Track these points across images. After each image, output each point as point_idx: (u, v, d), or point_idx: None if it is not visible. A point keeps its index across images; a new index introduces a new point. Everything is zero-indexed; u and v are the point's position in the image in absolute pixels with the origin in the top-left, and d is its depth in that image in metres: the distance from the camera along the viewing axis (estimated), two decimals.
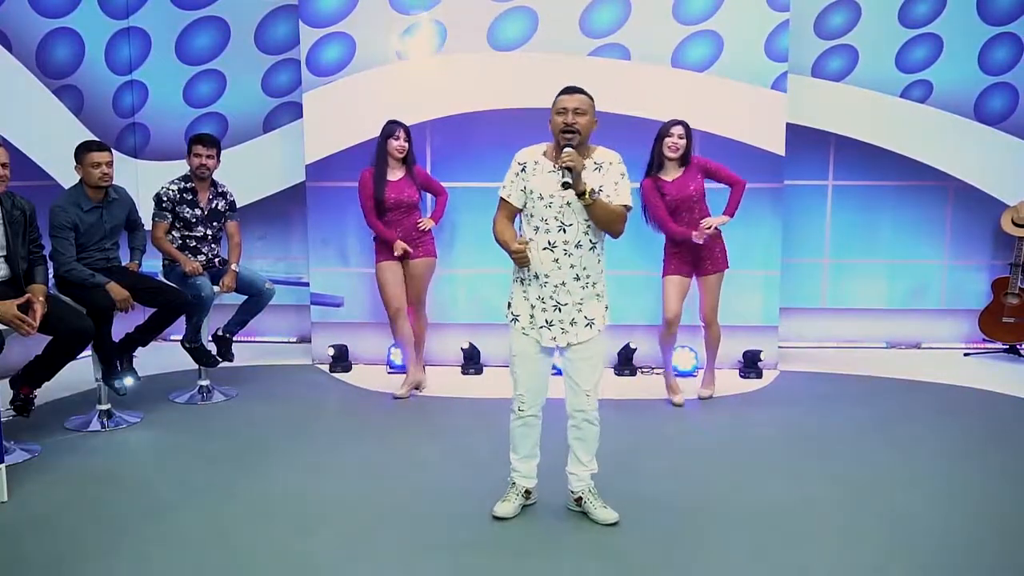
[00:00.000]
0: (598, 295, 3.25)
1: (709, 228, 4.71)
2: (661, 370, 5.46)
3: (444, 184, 5.22)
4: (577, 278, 3.18)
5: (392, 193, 4.95)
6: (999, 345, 6.02)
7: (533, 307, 3.23)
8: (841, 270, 6.16)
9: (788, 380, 5.42)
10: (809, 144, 5.92)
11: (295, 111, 5.99)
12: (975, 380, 5.35)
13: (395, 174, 5.00)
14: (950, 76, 5.91)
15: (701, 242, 4.71)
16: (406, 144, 4.97)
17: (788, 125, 5.47)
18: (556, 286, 3.18)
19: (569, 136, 3.09)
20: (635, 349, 5.52)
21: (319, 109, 5.59)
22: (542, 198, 3.15)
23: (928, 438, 4.31)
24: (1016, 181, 5.97)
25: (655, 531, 3.28)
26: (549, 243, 3.15)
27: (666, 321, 4.87)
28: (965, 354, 6.04)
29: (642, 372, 5.55)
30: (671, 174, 4.79)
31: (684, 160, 4.79)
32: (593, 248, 3.19)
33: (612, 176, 3.14)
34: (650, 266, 5.16)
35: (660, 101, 5.34)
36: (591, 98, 3.17)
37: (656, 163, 4.80)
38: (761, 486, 3.72)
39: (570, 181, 3.00)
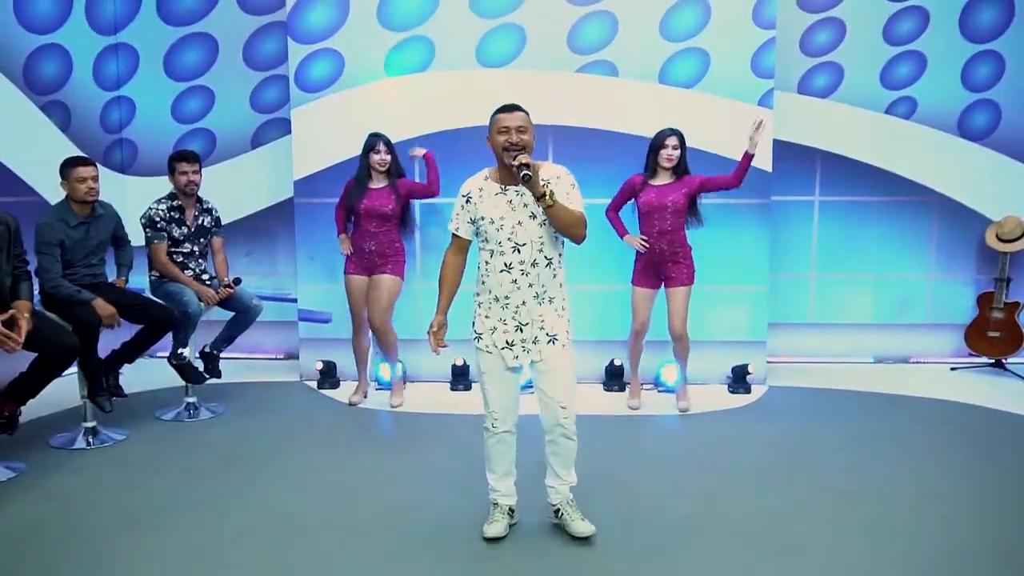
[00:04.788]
0: (558, 311, 3.27)
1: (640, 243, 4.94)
2: (651, 385, 5.51)
3: (431, 202, 5.23)
4: (536, 296, 3.21)
5: (367, 201, 5.00)
6: (985, 359, 6.07)
7: (495, 329, 3.26)
8: (828, 285, 6.20)
9: (777, 395, 5.45)
10: (796, 160, 5.98)
11: (283, 127, 6.01)
12: (962, 394, 5.39)
13: (376, 183, 5.06)
14: (934, 93, 5.99)
15: (641, 249, 4.92)
16: (387, 157, 5.01)
17: (775, 141, 5.52)
18: (517, 307, 3.22)
19: (515, 153, 3.10)
20: (621, 365, 5.54)
21: (307, 125, 5.61)
22: (492, 222, 3.18)
23: (915, 452, 4.35)
24: (1000, 196, 6.04)
25: (639, 545, 3.29)
26: (506, 265, 3.19)
27: (634, 331, 5.08)
28: (952, 368, 6.08)
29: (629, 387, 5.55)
30: (659, 180, 4.91)
31: (677, 172, 4.89)
32: (549, 264, 3.21)
33: (563, 188, 3.16)
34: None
35: (648, 117, 5.37)
36: (528, 114, 3.19)
37: (651, 169, 4.91)
38: (748, 499, 3.74)
39: (530, 173, 3.00)
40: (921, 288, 6.21)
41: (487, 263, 3.23)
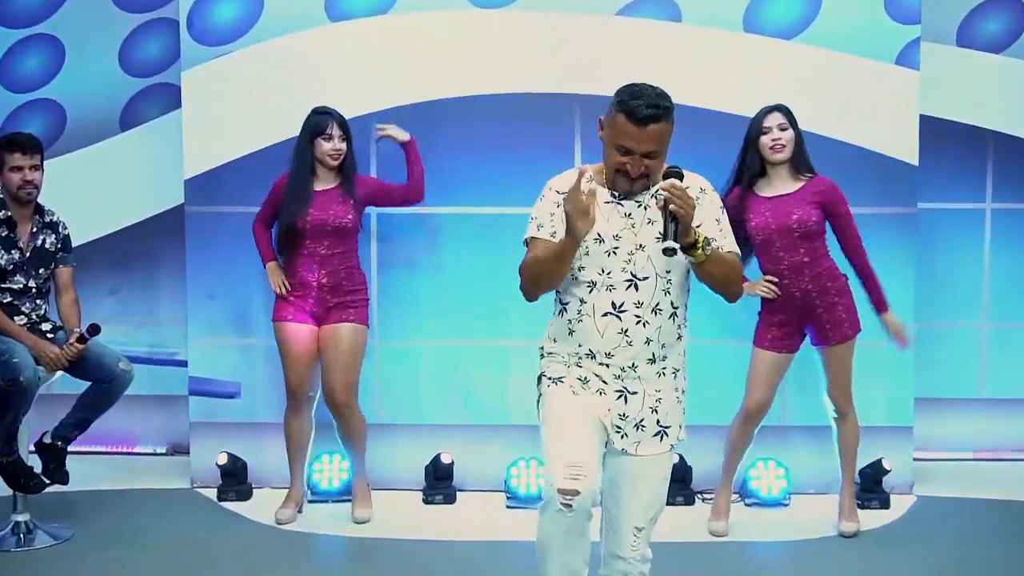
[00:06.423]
0: (678, 393, 3.29)
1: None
2: (736, 497, 5.47)
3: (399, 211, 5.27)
4: (652, 360, 3.20)
5: (315, 211, 5.02)
6: None
7: (586, 380, 3.22)
8: (1007, 340, 6.19)
9: (928, 510, 5.43)
10: (956, 148, 5.99)
11: (170, 98, 6.04)
12: None
13: (323, 184, 5.09)
14: None
15: (769, 296, 4.85)
16: (343, 146, 5.05)
17: (923, 119, 5.54)
18: (623, 369, 3.20)
19: (632, 185, 3.12)
20: (691, 467, 5.54)
21: (206, 96, 5.63)
22: (602, 241, 3.16)
23: None
24: None
25: None
26: (613, 306, 3.16)
27: (745, 410, 4.99)
28: None
29: (703, 499, 5.53)
30: (773, 187, 4.89)
31: (799, 167, 4.88)
32: (674, 316, 3.21)
33: (711, 212, 3.20)
34: (719, 333, 5.17)
35: (726, 83, 5.42)
36: (671, 115, 3.09)
37: (750, 172, 4.91)
38: None
39: (675, 246, 2.96)
40: None
41: (582, 303, 3.19)
